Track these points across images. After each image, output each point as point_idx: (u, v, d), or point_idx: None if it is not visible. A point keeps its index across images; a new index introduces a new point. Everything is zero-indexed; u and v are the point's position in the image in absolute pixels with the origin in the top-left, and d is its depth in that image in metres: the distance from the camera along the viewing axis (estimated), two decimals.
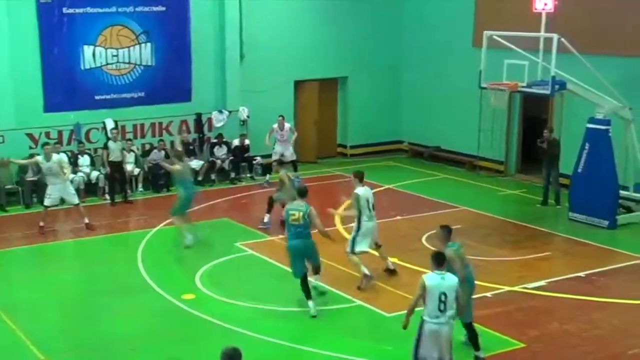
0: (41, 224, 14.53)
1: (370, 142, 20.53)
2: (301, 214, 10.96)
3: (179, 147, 15.79)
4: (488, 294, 11.44)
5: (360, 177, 11.96)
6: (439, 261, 8.30)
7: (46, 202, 14.63)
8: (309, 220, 10.94)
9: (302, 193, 11.44)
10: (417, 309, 8.34)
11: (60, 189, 14.61)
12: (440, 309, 8.14)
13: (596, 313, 10.90)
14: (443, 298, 8.10)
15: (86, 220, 14.76)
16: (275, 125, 18.14)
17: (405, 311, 8.39)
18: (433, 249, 13.16)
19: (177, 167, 13.86)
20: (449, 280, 8.21)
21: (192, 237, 13.72)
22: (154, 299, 11.41)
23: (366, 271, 11.67)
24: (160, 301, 11.31)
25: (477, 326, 10.22)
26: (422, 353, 8.24)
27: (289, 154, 17.94)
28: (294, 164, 17.87)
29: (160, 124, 18.49)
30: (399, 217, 15.42)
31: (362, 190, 11.78)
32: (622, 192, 15.17)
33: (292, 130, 18.35)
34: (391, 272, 12.28)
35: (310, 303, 10.84)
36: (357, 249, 11.77)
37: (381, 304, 11.14)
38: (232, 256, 13.26)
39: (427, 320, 8.21)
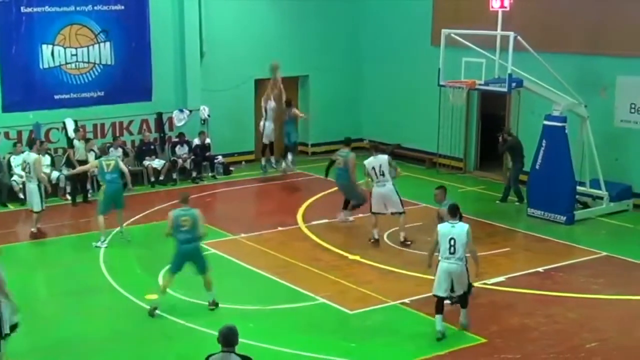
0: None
1: (331, 140, 20.52)
2: (342, 159, 14.49)
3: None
4: None
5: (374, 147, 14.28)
6: (453, 212, 9.97)
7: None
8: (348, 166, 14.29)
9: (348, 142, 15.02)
10: None
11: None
12: (451, 252, 9.82)
13: (555, 307, 11.02)
14: (452, 242, 9.77)
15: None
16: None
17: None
18: (394, 246, 13.46)
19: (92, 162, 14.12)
20: (459, 229, 9.83)
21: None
22: (117, 300, 11.26)
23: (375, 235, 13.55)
24: (123, 301, 11.17)
25: None
26: (438, 286, 10.03)
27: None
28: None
29: (121, 123, 18.23)
30: (360, 215, 15.38)
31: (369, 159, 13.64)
32: (579, 188, 15.37)
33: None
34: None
35: None
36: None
37: (344, 301, 11.14)
38: None
39: (441, 260, 9.94)
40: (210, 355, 6.47)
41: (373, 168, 13.60)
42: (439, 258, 10.03)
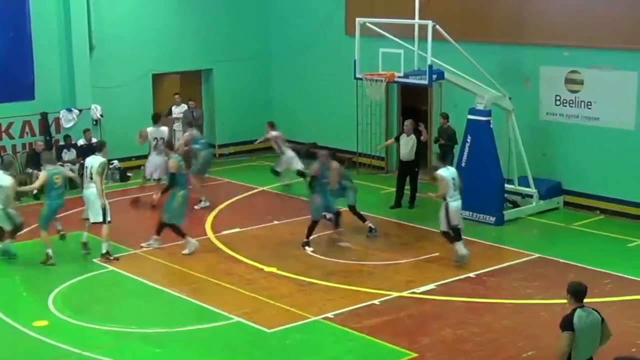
0: None
1: (240, 141, 20.28)
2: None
3: None
4: (375, 302, 11.47)
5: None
6: (443, 159, 13.29)
7: None
8: None
9: None
10: None
11: None
12: (454, 190, 12.63)
13: (488, 315, 11.11)
14: (453, 182, 12.71)
15: None
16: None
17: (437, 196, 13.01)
18: (315, 255, 13.40)
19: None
20: (453, 170, 13.02)
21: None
22: (0, 329, 10.69)
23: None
24: (7, 331, 10.67)
25: (364, 337, 10.36)
26: (453, 223, 12.67)
27: None
28: None
29: None
30: (276, 222, 15.29)
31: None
32: (508, 186, 15.63)
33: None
34: None
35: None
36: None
37: (261, 319, 10.94)
38: (90, 274, 12.75)
39: (450, 200, 12.68)
40: None
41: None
42: (446, 200, 12.60)
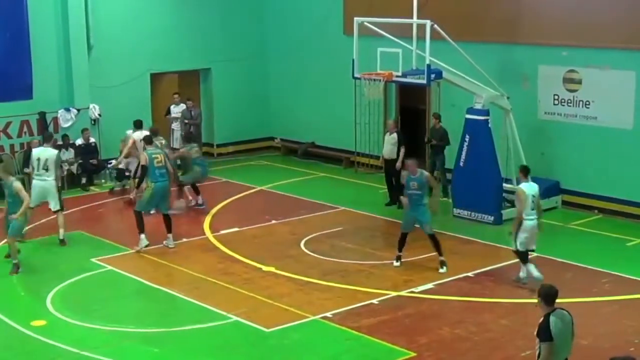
0: None
1: (239, 140, 20.29)
2: None
3: None
4: (374, 301, 11.48)
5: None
6: (526, 172, 12.15)
7: None
8: None
9: None
10: None
11: None
12: (532, 209, 11.71)
13: (486, 314, 11.14)
14: (533, 199, 11.76)
15: None
16: None
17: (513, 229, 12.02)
18: (313, 254, 13.34)
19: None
20: (535, 187, 11.97)
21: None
22: None
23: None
24: (5, 330, 10.67)
25: (363, 336, 10.38)
26: (523, 243, 11.81)
27: None
28: None
29: None
30: (274, 222, 15.28)
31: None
32: (506, 185, 15.61)
33: None
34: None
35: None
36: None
37: (260, 318, 10.95)
38: (88, 274, 12.72)
39: (526, 218, 11.71)
40: None
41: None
42: (525, 217, 11.67)
